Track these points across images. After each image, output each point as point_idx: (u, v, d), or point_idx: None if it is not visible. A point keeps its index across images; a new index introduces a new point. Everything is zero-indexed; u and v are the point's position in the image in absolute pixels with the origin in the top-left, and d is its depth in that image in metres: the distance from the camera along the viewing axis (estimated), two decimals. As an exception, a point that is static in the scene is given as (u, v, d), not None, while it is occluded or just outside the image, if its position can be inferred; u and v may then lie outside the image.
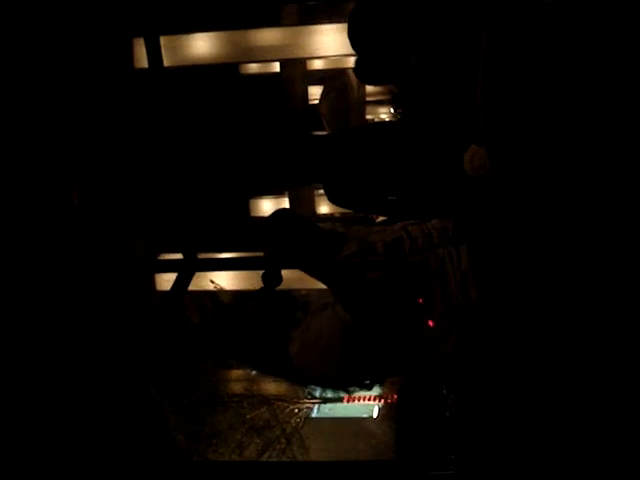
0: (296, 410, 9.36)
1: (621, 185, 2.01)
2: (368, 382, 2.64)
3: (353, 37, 2.58)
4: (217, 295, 7.90)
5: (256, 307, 2.66)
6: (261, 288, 2.68)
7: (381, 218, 3.93)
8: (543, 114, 2.05)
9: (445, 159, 2.53)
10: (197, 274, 6.14)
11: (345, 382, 2.52)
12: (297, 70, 7.76)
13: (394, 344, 2.32)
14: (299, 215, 2.69)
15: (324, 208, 8.27)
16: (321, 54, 6.24)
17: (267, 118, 7.11)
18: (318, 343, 2.43)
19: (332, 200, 3.45)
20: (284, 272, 2.65)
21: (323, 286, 2.58)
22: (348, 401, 10.90)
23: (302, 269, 2.62)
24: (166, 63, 5.70)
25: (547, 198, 2.10)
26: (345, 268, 2.44)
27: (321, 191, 3.76)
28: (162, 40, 5.67)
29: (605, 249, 2.06)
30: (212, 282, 6.93)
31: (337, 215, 7.94)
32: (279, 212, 2.70)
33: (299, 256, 2.57)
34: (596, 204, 2.04)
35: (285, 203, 9.34)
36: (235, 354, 2.75)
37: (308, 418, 9.59)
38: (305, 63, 7.80)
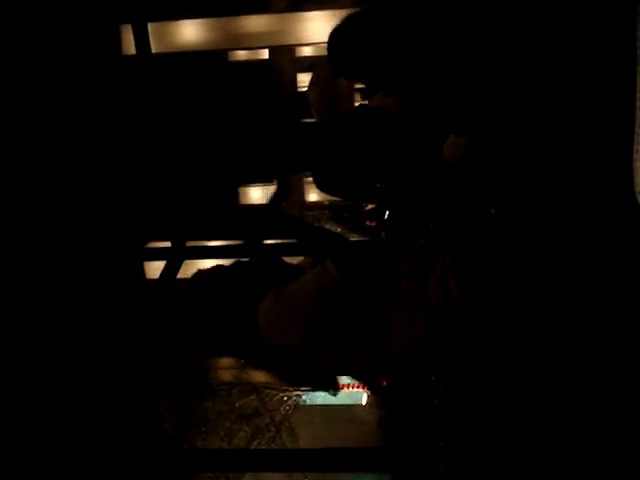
0: (285, 398, 9.38)
1: (610, 180, 2.01)
2: (329, 380, 2.52)
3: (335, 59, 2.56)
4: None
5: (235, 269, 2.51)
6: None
7: (370, 206, 3.94)
8: (532, 104, 2.05)
9: (432, 147, 2.53)
10: (186, 262, 6.13)
11: (306, 369, 2.35)
12: (286, 57, 7.74)
13: (370, 324, 2.20)
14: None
15: (313, 196, 8.27)
16: (310, 41, 6.23)
17: (255, 105, 7.09)
18: (295, 299, 2.21)
19: (321, 188, 3.44)
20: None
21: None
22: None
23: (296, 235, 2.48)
24: (154, 50, 5.68)
25: (533, 191, 2.10)
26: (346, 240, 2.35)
27: (310, 179, 3.76)
28: (150, 27, 5.64)
29: (591, 246, 2.06)
30: (201, 271, 6.90)
31: (326, 203, 7.94)
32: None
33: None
34: (582, 198, 2.05)
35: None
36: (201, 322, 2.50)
37: (297, 406, 9.62)
38: (294, 50, 7.78)
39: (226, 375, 9.37)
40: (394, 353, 2.23)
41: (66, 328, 4.86)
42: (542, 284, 2.11)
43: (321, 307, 2.17)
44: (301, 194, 8.21)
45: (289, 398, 9.53)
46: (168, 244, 6.17)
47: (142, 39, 5.53)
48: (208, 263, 6.96)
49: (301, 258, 2.66)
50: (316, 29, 5.94)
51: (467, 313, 2.15)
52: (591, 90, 1.99)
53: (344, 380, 11.03)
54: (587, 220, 2.07)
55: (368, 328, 2.19)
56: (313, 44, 6.76)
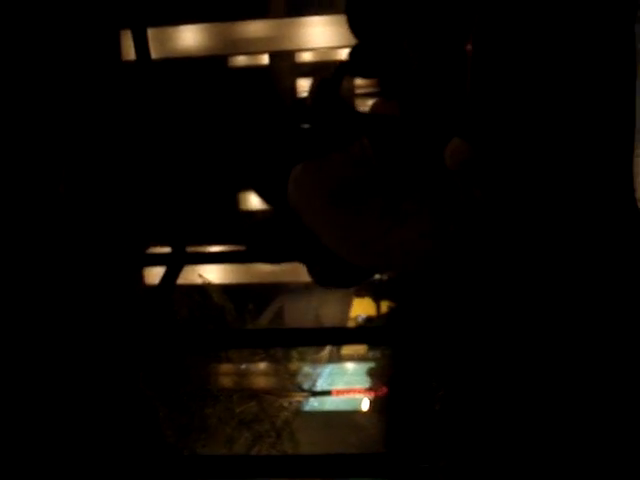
0: (285, 404, 9.38)
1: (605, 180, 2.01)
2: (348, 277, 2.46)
3: (353, 22, 2.56)
4: (205, 289, 7.90)
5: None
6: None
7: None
8: (529, 105, 2.05)
9: (433, 152, 2.52)
10: (186, 268, 6.12)
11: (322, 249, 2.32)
12: (286, 62, 7.75)
13: (386, 209, 2.20)
14: None
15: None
16: (310, 46, 6.23)
17: (256, 111, 7.09)
18: (327, 164, 2.27)
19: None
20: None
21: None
22: (338, 394, 10.95)
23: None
24: (154, 55, 5.66)
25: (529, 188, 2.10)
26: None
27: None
28: (150, 32, 5.62)
29: (589, 251, 2.06)
30: (200, 276, 6.91)
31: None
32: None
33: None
34: (582, 203, 2.04)
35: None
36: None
37: (298, 412, 9.62)
38: (294, 55, 7.79)
39: (226, 381, 9.36)
40: (400, 245, 2.21)
41: (66, 334, 4.85)
42: (539, 287, 2.10)
43: (347, 176, 2.23)
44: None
45: (289, 404, 9.53)
46: (168, 250, 6.16)
47: (142, 44, 5.52)
48: (208, 269, 6.93)
49: None
50: (316, 34, 5.94)
51: (487, 216, 2.13)
52: (592, 95, 1.99)
53: (344, 386, 11.01)
54: (587, 224, 2.07)
55: (383, 212, 2.19)
56: (313, 49, 6.76)
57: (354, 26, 2.49)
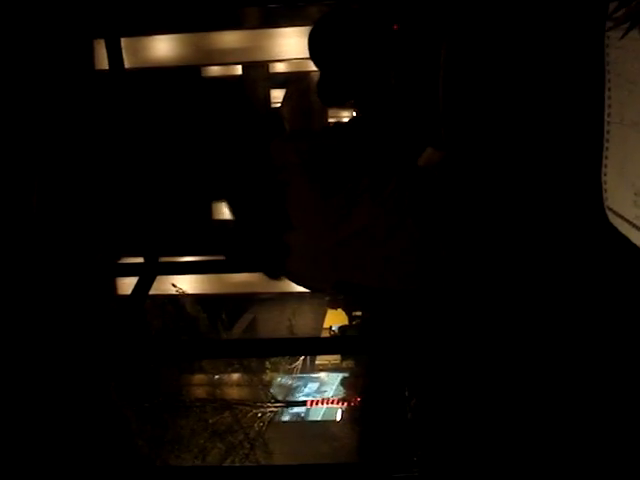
0: (259, 414, 9.35)
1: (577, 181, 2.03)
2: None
3: (315, 54, 2.57)
4: (179, 299, 7.87)
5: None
6: None
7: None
8: (496, 108, 2.08)
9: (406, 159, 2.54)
10: (158, 278, 6.09)
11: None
12: (259, 73, 7.76)
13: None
14: None
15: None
16: (283, 57, 6.24)
17: (229, 121, 7.07)
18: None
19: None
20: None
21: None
22: (311, 404, 10.93)
23: None
24: (127, 65, 5.65)
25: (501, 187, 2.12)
26: None
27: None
28: (123, 42, 5.61)
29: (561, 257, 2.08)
30: (174, 285, 6.87)
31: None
32: None
33: None
34: (553, 209, 2.07)
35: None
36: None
37: (271, 422, 9.59)
38: (267, 66, 7.80)
39: (199, 392, 9.32)
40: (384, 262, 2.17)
41: (37, 344, 4.81)
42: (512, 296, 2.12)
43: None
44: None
45: (263, 414, 9.50)
46: (141, 260, 6.13)
47: (115, 54, 5.51)
48: (181, 279, 6.90)
49: None
50: (289, 45, 5.95)
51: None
52: (561, 105, 2.02)
53: (317, 396, 10.99)
54: (557, 231, 2.09)
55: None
56: (286, 60, 6.77)
57: (316, 58, 2.49)
